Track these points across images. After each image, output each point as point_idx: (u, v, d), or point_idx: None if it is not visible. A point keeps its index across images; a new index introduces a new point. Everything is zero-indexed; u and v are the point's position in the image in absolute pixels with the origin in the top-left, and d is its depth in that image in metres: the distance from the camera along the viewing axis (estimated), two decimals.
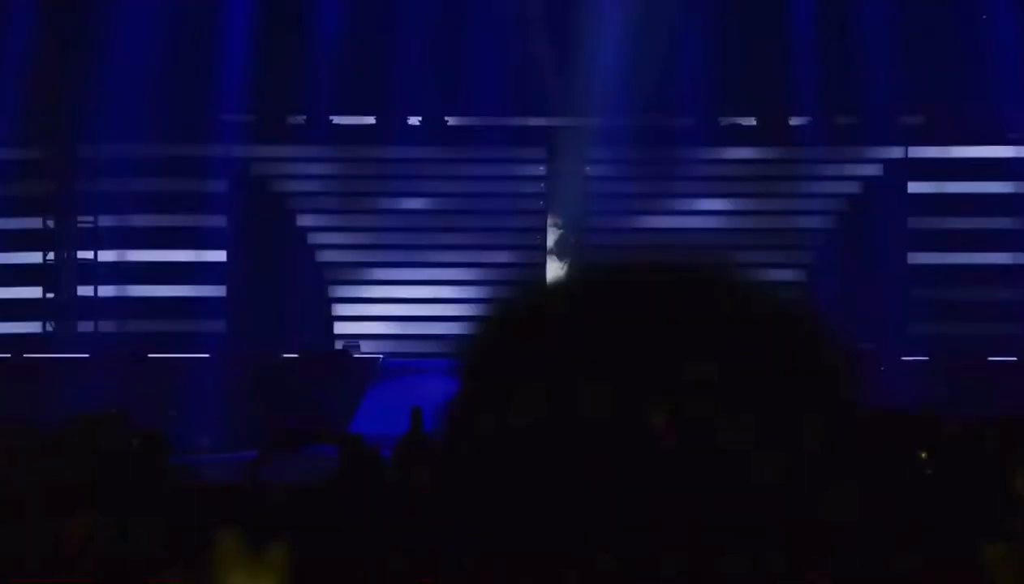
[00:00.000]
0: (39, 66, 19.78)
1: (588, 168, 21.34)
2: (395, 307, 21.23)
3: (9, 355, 18.73)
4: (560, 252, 21.35)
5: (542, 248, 21.41)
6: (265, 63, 20.30)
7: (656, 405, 1.14)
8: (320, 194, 21.62)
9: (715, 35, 20.06)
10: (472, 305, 21.15)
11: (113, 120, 20.41)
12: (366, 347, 20.11)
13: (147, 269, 20.91)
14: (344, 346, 19.82)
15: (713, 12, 20.15)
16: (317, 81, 20.36)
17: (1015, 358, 18.50)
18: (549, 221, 21.40)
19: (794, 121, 21.03)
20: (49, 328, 20.72)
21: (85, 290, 20.88)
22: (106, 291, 20.92)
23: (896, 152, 21.01)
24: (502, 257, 21.40)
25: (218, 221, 20.98)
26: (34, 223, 20.92)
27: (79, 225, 20.91)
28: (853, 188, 21.28)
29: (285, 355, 18.32)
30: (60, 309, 20.81)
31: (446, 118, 21.10)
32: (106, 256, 20.97)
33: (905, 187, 21.01)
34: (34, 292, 20.83)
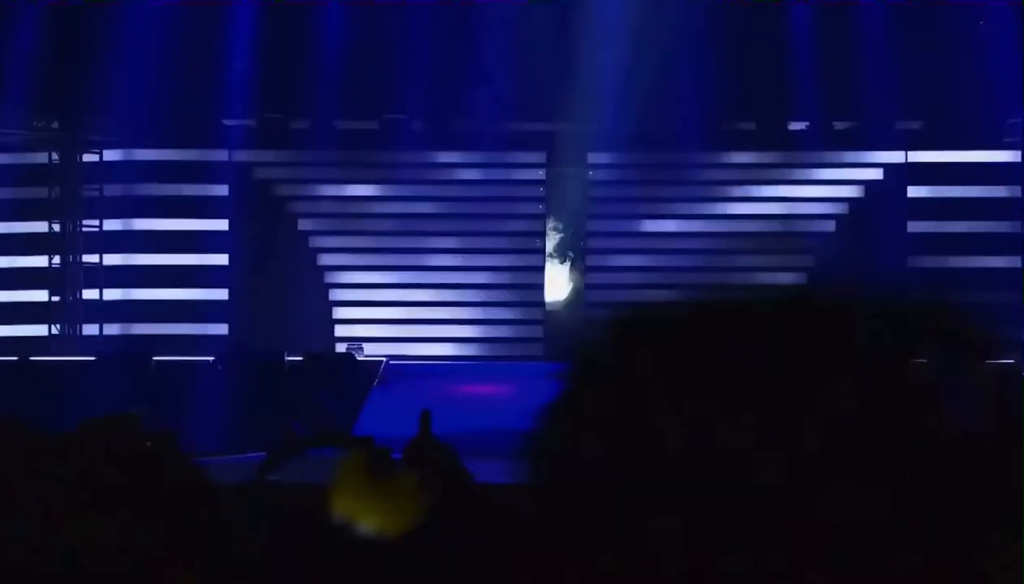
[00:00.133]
0: (45, 72, 19.83)
1: (590, 172, 21.39)
2: (397, 310, 21.27)
3: (16, 357, 18.76)
4: (560, 255, 21.42)
5: (541, 251, 21.46)
6: (268, 68, 20.35)
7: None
8: (323, 198, 21.68)
9: (715, 40, 20.08)
10: (472, 307, 21.23)
11: (119, 125, 20.50)
12: (369, 350, 20.16)
13: (151, 273, 20.98)
14: (347, 349, 19.87)
15: (713, 18, 20.17)
16: (320, 86, 20.39)
17: (1012, 361, 18.55)
18: (548, 225, 21.45)
19: (793, 126, 21.08)
20: (55, 331, 20.79)
21: (90, 293, 20.96)
22: (111, 294, 20.99)
23: (894, 157, 21.05)
24: (502, 260, 21.46)
25: (222, 225, 21.04)
26: (40, 227, 20.99)
27: (84, 229, 20.98)
28: (852, 192, 21.33)
29: (289, 358, 18.36)
30: (65, 312, 20.87)
31: (448, 123, 21.14)
32: (111, 260, 21.05)
33: (904, 191, 21.06)
34: (40, 295, 20.89)
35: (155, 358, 18.64)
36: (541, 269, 21.39)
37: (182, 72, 20.05)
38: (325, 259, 21.51)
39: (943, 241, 20.84)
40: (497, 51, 20.31)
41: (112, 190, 20.87)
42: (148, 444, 4.37)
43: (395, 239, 21.37)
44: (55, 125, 21.01)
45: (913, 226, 21.03)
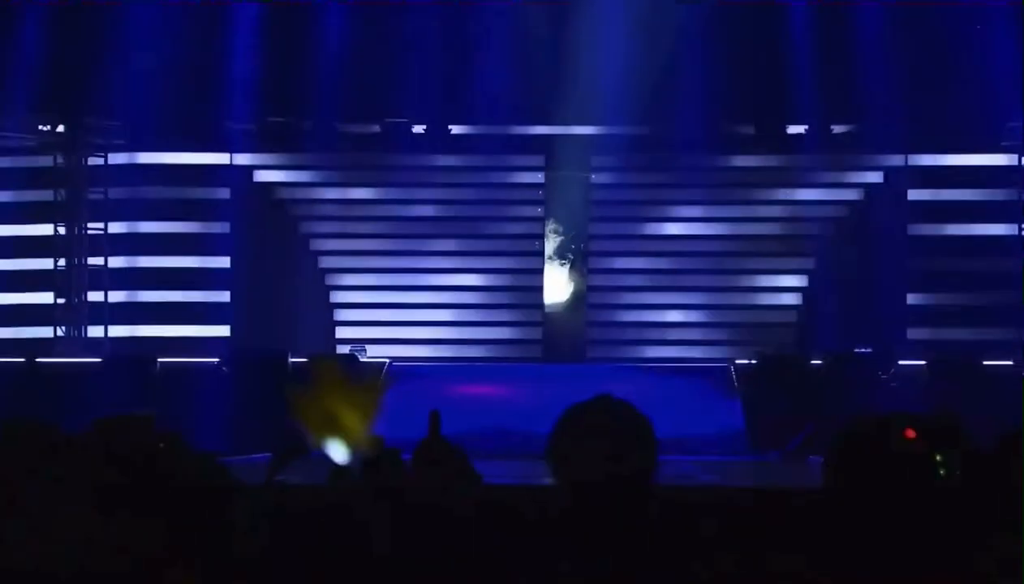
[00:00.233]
0: (51, 76, 19.95)
1: (589, 176, 21.50)
2: (397, 312, 21.41)
3: (22, 359, 18.89)
4: (560, 257, 21.54)
5: (540, 254, 21.59)
6: (269, 72, 20.47)
7: None
8: (323, 201, 21.80)
9: (714, 43, 20.19)
10: (472, 309, 21.36)
11: (124, 129, 20.63)
12: (370, 351, 20.29)
13: (155, 275, 21.12)
14: (351, 350, 19.99)
15: (712, 21, 20.28)
16: (321, 89, 20.51)
17: (1011, 362, 18.66)
18: (548, 227, 21.58)
19: (793, 129, 21.19)
20: (60, 333, 20.93)
21: (95, 296, 21.10)
22: (116, 297, 21.13)
23: (894, 160, 21.16)
24: (500, 263, 21.59)
25: (224, 228, 21.17)
26: (45, 230, 21.12)
27: (89, 232, 21.10)
28: (853, 195, 21.44)
29: (292, 359, 18.46)
30: (71, 314, 21.00)
31: (450, 127, 21.27)
32: (116, 262, 21.19)
33: (904, 194, 21.16)
34: (45, 298, 21.02)
35: (160, 360, 18.76)
36: (540, 272, 21.52)
37: (185, 76, 20.18)
38: (326, 261, 21.64)
39: (943, 243, 20.95)
40: (496, 54, 20.42)
41: (117, 193, 21.01)
42: (161, 445, 4.48)
43: (396, 242, 21.50)
44: (60, 129, 21.14)
45: (913, 229, 21.14)
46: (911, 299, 20.98)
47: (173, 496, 3.57)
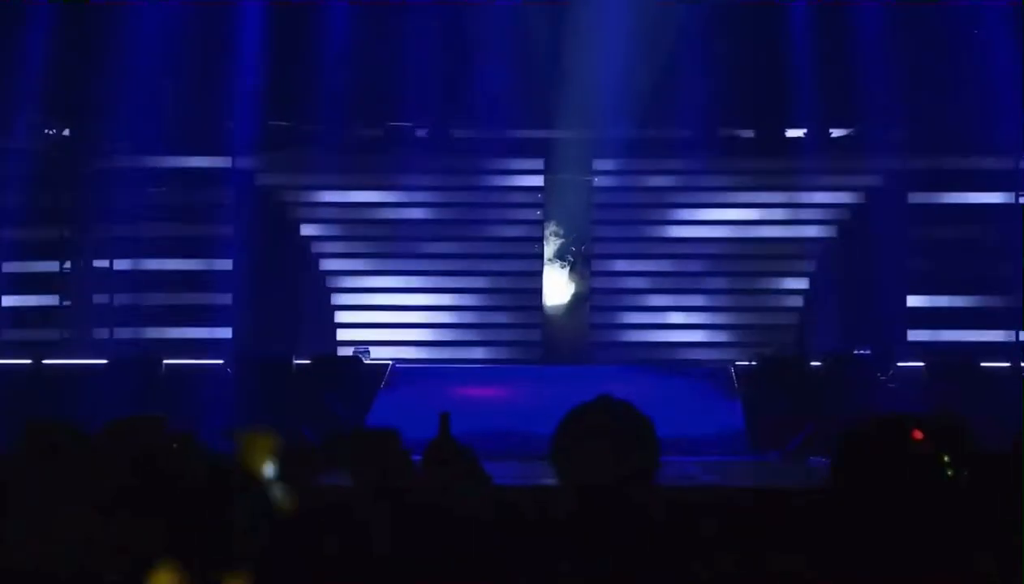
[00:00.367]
0: (56, 79, 20.04)
1: (586, 178, 21.58)
2: (398, 314, 21.49)
3: (29, 360, 18.97)
4: (560, 260, 21.62)
5: (539, 257, 21.66)
6: (271, 75, 20.55)
7: None
8: (324, 204, 21.88)
9: (714, 46, 20.25)
10: (471, 311, 21.44)
11: (128, 132, 20.71)
12: (375, 353, 20.38)
13: (159, 277, 21.21)
14: (354, 352, 20.08)
15: (712, 23, 20.34)
16: (323, 93, 20.59)
17: (1009, 364, 18.74)
18: (548, 230, 21.66)
19: (792, 133, 21.27)
20: (66, 335, 21.02)
21: (100, 298, 21.20)
22: (121, 299, 21.22)
23: (894, 163, 21.22)
24: (500, 265, 21.68)
25: (226, 230, 21.26)
26: (51, 233, 21.22)
27: (94, 235, 21.20)
28: (854, 198, 21.52)
29: (296, 361, 18.56)
30: (76, 316, 21.10)
31: (451, 130, 21.35)
32: (121, 265, 21.28)
33: (904, 197, 21.23)
34: (51, 300, 21.11)
35: (165, 361, 18.84)
36: (539, 274, 21.60)
37: (188, 79, 20.26)
38: (327, 264, 21.72)
39: (943, 246, 21.01)
40: (497, 56, 20.50)
41: (121, 196, 21.09)
42: (174, 445, 4.59)
43: (396, 244, 21.59)
44: (66, 132, 21.22)
45: (914, 231, 21.22)
46: (911, 301, 21.06)
47: (187, 495, 3.62)
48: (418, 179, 21.51)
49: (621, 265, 21.76)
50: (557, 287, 21.65)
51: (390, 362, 19.62)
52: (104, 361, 18.92)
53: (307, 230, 21.76)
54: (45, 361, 19.00)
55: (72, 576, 3.35)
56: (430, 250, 21.59)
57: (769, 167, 21.55)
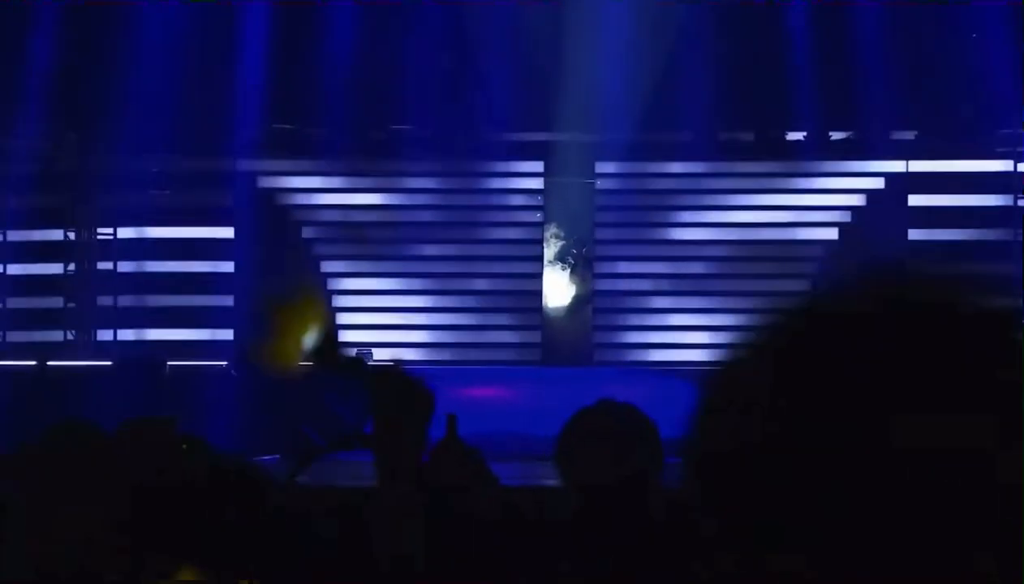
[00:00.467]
0: (61, 82, 20.11)
1: (598, 182, 21.65)
2: (398, 316, 21.57)
3: (34, 362, 19.06)
4: (561, 262, 21.68)
5: (539, 259, 21.73)
6: (273, 78, 20.62)
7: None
8: (325, 207, 21.95)
9: (714, 48, 20.31)
10: (471, 313, 21.50)
11: (133, 134, 20.78)
12: (377, 354, 20.44)
13: (163, 279, 21.29)
14: (358, 353, 20.13)
15: (711, 26, 20.41)
16: (325, 96, 20.66)
17: None
18: (548, 233, 21.72)
19: (793, 136, 21.33)
20: (70, 337, 21.10)
21: (105, 300, 21.27)
22: (125, 301, 21.29)
23: (894, 166, 21.30)
24: (500, 267, 21.75)
25: (228, 233, 21.33)
26: (56, 235, 21.30)
27: (99, 237, 21.27)
28: (854, 201, 21.59)
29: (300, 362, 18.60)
30: (81, 318, 21.17)
31: (452, 133, 21.41)
32: (125, 267, 21.36)
33: (905, 200, 21.31)
34: (56, 302, 21.19)
35: (169, 363, 18.92)
36: (539, 276, 21.67)
37: (191, 81, 20.33)
38: (329, 266, 21.79)
39: (943, 249, 21.07)
40: (498, 59, 20.56)
41: (126, 198, 21.17)
42: (184, 446, 4.68)
43: (397, 247, 21.66)
44: (71, 135, 21.29)
45: (914, 234, 21.29)
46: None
47: (198, 496, 3.67)
48: (419, 182, 21.57)
49: (623, 267, 21.83)
50: (558, 289, 21.72)
51: (392, 363, 19.65)
52: (109, 363, 18.99)
53: (309, 232, 21.82)
54: (50, 363, 19.08)
55: (75, 576, 3.38)
56: (431, 252, 21.66)
57: (770, 170, 21.62)
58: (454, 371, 19.93)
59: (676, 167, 21.53)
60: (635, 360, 21.18)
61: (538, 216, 21.81)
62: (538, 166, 21.73)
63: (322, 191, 21.99)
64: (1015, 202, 21.11)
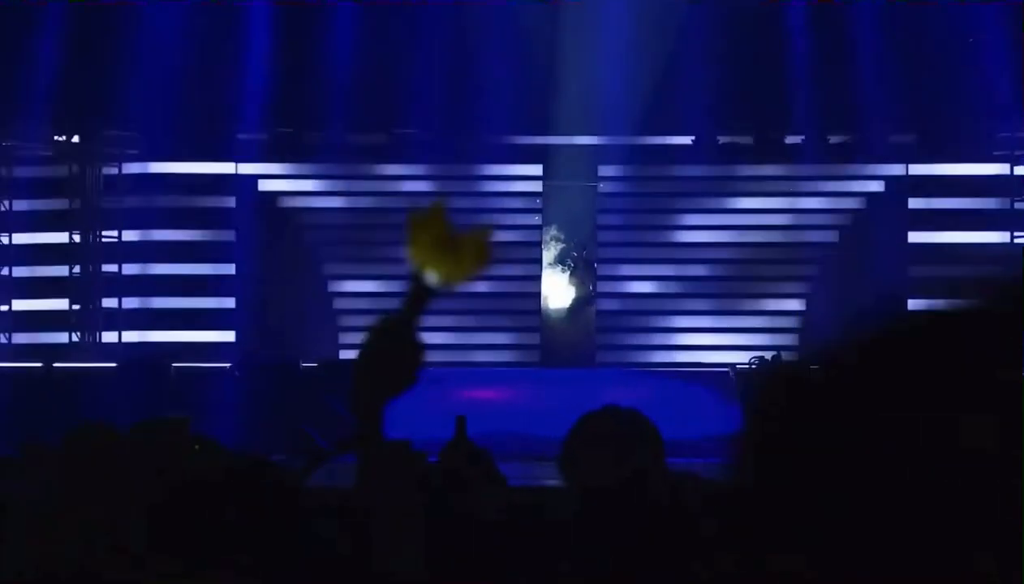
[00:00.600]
0: (66, 86, 20.17)
1: (600, 185, 21.70)
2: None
3: (40, 364, 19.14)
4: (561, 265, 21.74)
5: (538, 261, 21.78)
6: (275, 82, 20.68)
7: None
8: (326, 210, 22.01)
9: (714, 50, 20.36)
10: (471, 315, 21.56)
11: (137, 138, 20.85)
12: None
13: (167, 282, 21.35)
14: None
15: (713, 27, 20.45)
16: (327, 99, 20.72)
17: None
18: (548, 235, 21.77)
19: (793, 139, 21.37)
20: (75, 338, 21.17)
21: (109, 302, 21.35)
22: (129, 303, 21.37)
23: (894, 169, 21.35)
24: (499, 269, 21.79)
25: (229, 235, 21.39)
26: (61, 238, 21.38)
27: (104, 240, 21.35)
28: (855, 204, 21.64)
29: (303, 364, 18.69)
30: (86, 320, 21.25)
31: (453, 136, 21.46)
32: (129, 269, 21.43)
33: (905, 203, 21.35)
34: (61, 304, 21.28)
35: (174, 365, 18.98)
36: (538, 278, 21.71)
37: (196, 86, 20.39)
38: (330, 268, 21.84)
39: (943, 251, 21.12)
40: (498, 61, 20.60)
41: (130, 202, 21.25)
42: (196, 446, 4.80)
43: (397, 248, 21.67)
44: (75, 139, 21.38)
45: (914, 236, 21.34)
46: (911, 306, 21.11)
47: (209, 495, 3.73)
48: (420, 184, 21.62)
49: (625, 269, 21.90)
50: (558, 291, 21.78)
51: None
52: (114, 364, 19.06)
53: (310, 235, 21.88)
54: (56, 365, 19.14)
55: (75, 576, 3.44)
56: None
57: (770, 173, 21.68)
58: (456, 372, 19.97)
59: (676, 170, 21.59)
60: (636, 361, 21.24)
61: (537, 219, 21.86)
62: (537, 169, 21.80)
63: (323, 194, 22.03)
64: (1011, 205, 21.17)
